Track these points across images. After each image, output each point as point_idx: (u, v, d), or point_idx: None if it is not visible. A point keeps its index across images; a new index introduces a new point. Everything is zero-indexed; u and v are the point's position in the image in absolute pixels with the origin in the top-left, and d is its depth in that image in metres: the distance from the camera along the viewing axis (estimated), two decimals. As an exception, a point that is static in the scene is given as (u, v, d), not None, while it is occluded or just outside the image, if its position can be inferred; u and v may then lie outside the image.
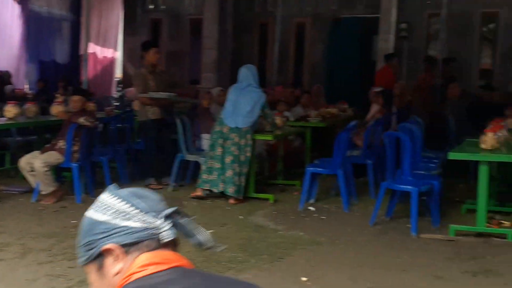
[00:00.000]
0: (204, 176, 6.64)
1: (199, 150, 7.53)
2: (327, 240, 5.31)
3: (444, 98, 8.96)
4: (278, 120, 7.26)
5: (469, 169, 7.32)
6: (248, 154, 6.64)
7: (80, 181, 6.53)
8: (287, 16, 12.75)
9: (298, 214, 6.23)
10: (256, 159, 7.44)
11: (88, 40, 10.40)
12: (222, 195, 6.65)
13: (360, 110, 9.76)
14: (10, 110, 7.16)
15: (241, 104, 6.64)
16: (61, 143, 6.54)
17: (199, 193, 6.65)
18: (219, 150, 6.61)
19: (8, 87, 10.87)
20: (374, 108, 8.15)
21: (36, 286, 4.10)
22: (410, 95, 9.80)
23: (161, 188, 7.21)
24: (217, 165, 6.59)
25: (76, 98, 6.71)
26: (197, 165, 7.31)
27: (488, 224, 5.44)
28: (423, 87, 10.16)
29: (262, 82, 12.95)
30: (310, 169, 6.49)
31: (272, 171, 7.90)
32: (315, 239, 5.31)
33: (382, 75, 10.31)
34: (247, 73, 6.81)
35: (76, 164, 6.49)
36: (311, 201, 6.62)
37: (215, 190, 6.61)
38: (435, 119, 8.98)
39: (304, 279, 4.30)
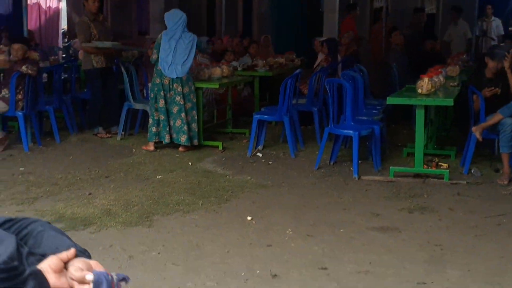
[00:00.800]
0: (153, 129, 6.64)
1: (147, 99, 7.53)
2: (273, 183, 5.48)
3: (388, 46, 9.17)
4: (225, 69, 7.31)
5: (412, 115, 7.57)
6: (194, 100, 6.68)
7: (27, 130, 6.49)
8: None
9: (246, 160, 6.37)
10: (205, 108, 7.51)
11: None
12: (172, 143, 6.71)
13: (307, 60, 9.89)
14: (-49, 58, 7.00)
15: (178, 53, 6.58)
16: (4, 92, 6.46)
17: (151, 148, 6.64)
18: (161, 102, 6.60)
19: None
20: (320, 57, 8.28)
21: (-16, 230, 4.14)
22: (358, 45, 9.99)
23: (109, 137, 7.23)
24: (162, 116, 6.61)
25: (16, 46, 6.60)
26: (145, 113, 7.33)
27: (426, 166, 5.70)
28: (378, 38, 10.35)
29: (211, 32, 12.98)
30: (257, 116, 6.61)
31: (221, 119, 7.99)
32: (262, 183, 5.48)
33: (346, 26, 10.39)
34: (178, 18, 6.60)
35: (21, 113, 6.43)
36: (259, 147, 6.76)
37: (164, 141, 6.64)
38: (381, 67, 9.21)
39: (249, 218, 4.47)
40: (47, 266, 1.27)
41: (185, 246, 3.92)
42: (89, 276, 1.28)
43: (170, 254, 3.79)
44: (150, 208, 4.68)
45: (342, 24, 10.52)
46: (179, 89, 6.58)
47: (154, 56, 6.62)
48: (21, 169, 5.78)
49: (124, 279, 1.37)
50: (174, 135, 6.62)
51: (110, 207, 4.65)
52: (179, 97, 6.58)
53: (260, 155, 6.55)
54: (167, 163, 6.18)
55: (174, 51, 6.56)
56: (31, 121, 6.63)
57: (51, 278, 1.27)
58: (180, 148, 6.65)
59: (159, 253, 3.80)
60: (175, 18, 6.61)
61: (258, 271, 3.51)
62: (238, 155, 6.56)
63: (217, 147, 6.81)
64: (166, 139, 6.60)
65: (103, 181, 5.45)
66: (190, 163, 6.15)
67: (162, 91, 6.58)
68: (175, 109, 6.60)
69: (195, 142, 6.67)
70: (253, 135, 6.59)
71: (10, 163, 5.99)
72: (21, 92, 6.49)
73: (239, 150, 6.80)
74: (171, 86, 6.58)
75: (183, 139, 6.59)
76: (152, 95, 6.66)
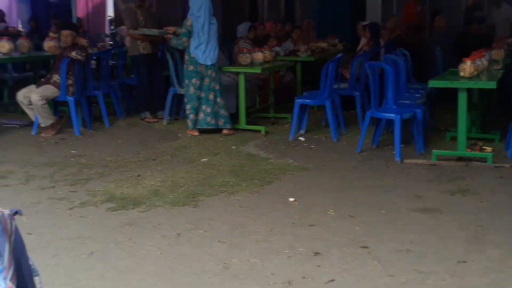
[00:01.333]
0: (191, 117, 6.80)
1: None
2: (314, 166, 5.57)
3: (432, 30, 9.09)
4: (267, 54, 7.41)
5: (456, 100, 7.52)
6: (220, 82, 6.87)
7: (77, 114, 6.74)
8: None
9: (288, 144, 6.48)
10: (248, 93, 7.63)
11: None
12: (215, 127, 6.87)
13: (350, 45, 9.89)
14: (4, 45, 7.29)
15: (211, 39, 6.72)
16: (55, 77, 6.72)
17: (195, 132, 6.80)
18: (191, 90, 6.74)
19: (1, 25, 10.91)
20: (362, 42, 8.30)
21: (40, 208, 4.39)
22: (401, 30, 9.92)
23: (156, 121, 7.45)
24: (196, 104, 6.74)
25: (66, 32, 6.84)
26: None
27: (469, 150, 5.70)
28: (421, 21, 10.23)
29: (254, 17, 13.06)
30: (299, 101, 6.70)
31: (263, 104, 8.10)
32: (304, 166, 5.57)
33: (408, 10, 10.26)
34: (207, 3, 6.67)
35: (71, 98, 6.68)
36: (301, 132, 6.85)
37: (204, 127, 6.79)
38: (424, 51, 9.14)
39: (291, 199, 4.59)
40: None
41: (230, 225, 4.06)
42: None
43: (215, 232, 3.94)
44: (195, 189, 4.84)
45: (404, 6, 10.38)
46: (213, 75, 6.73)
47: (186, 44, 6.72)
48: (72, 152, 6.03)
49: (17, 212, 1.63)
50: (213, 121, 6.77)
51: (158, 188, 4.83)
52: (213, 83, 6.74)
53: (302, 139, 6.65)
54: (211, 146, 6.33)
55: (207, 38, 6.68)
56: (81, 105, 6.88)
57: None
58: (224, 131, 6.80)
59: (205, 231, 3.95)
60: (198, 2, 6.64)
61: (300, 249, 3.63)
62: (280, 139, 6.67)
63: (260, 131, 6.93)
64: (201, 125, 6.75)
65: (150, 163, 5.64)
66: (233, 147, 6.29)
67: (194, 79, 6.71)
68: (211, 96, 6.74)
69: (228, 125, 6.79)
70: (295, 119, 6.68)
71: (63, 146, 6.26)
72: (71, 78, 6.73)
73: (281, 134, 6.91)
74: (205, 73, 6.71)
75: (221, 122, 6.76)
76: (186, 81, 6.80)
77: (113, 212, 4.30)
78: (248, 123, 7.09)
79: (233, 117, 7.02)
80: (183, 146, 6.34)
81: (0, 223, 1.58)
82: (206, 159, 5.78)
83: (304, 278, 3.25)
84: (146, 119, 7.49)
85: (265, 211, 4.35)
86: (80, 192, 4.75)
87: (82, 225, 4.04)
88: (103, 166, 5.52)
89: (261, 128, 6.98)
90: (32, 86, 6.75)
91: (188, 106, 6.82)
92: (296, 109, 6.64)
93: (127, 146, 6.34)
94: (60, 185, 4.89)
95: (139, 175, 5.21)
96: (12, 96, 7.47)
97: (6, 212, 1.59)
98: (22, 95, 6.63)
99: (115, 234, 3.88)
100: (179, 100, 7.62)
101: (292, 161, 5.74)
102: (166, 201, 4.54)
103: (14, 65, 8.63)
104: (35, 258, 3.39)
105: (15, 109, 7.41)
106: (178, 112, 7.68)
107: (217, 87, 6.75)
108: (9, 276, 1.57)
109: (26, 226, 3.94)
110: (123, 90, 8.11)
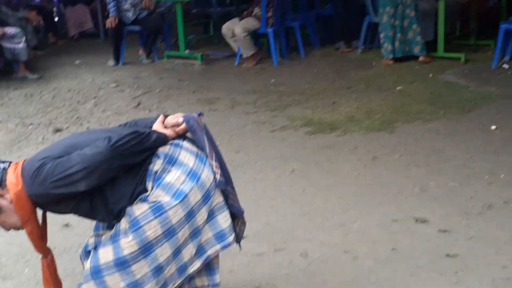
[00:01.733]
0: (386, 45, 6.72)
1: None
2: (520, 94, 5.26)
3: None
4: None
5: None
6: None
7: (276, 45, 7.03)
8: None
9: (490, 72, 6.14)
10: (447, 19, 7.29)
11: None
12: (411, 55, 6.73)
13: None
14: (209, -18, 7.75)
15: None
16: (256, 10, 7.04)
17: (390, 62, 6.73)
18: (385, 18, 6.63)
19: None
20: None
21: (245, 130, 4.76)
22: None
23: (350, 51, 7.48)
24: (390, 33, 6.64)
25: (266, -34, 7.05)
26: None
27: None
28: None
29: None
30: (504, 26, 6.26)
31: (464, 31, 7.69)
32: (508, 94, 5.28)
33: None
34: None
35: (271, 29, 6.97)
36: (506, 59, 6.42)
37: (399, 55, 6.69)
38: None
39: (493, 127, 4.41)
40: (156, 127, 2.00)
41: (427, 150, 4.05)
42: (180, 119, 2.01)
43: (412, 157, 3.96)
44: (391, 116, 4.86)
45: None
46: (409, 1, 6.55)
47: None
48: (272, 80, 6.34)
49: (201, 114, 2.05)
50: (407, 48, 6.65)
51: (353, 114, 4.94)
52: (408, 10, 6.57)
53: (507, 66, 6.25)
54: (407, 74, 6.23)
55: None
56: (279, 37, 7.15)
57: (163, 131, 1.98)
58: (420, 58, 6.64)
59: (401, 155, 4.00)
60: None
61: (502, 175, 3.52)
62: (481, 67, 6.34)
63: (459, 59, 6.64)
64: (399, 54, 6.65)
65: (345, 91, 5.74)
66: (430, 75, 6.13)
67: (388, 7, 6.60)
68: (406, 23, 6.61)
69: (424, 53, 6.61)
70: (499, 46, 6.27)
71: (263, 75, 6.60)
72: (271, 10, 6.99)
73: (483, 61, 6.55)
74: (400, 1, 6.57)
75: (416, 49, 6.61)
76: (380, 10, 6.71)
77: (311, 136, 4.52)
78: (447, 50, 6.81)
79: (432, 44, 6.80)
80: (377, 74, 6.33)
81: (195, 122, 2.00)
82: (401, 87, 5.73)
83: (505, 203, 3.18)
84: (341, 49, 7.55)
85: (464, 138, 4.26)
86: (280, 117, 5.03)
87: (283, 146, 4.32)
88: (300, 93, 5.75)
89: (461, 55, 6.67)
90: (235, 20, 7.15)
91: (382, 35, 6.76)
92: (501, 35, 6.22)
93: (322, 75, 6.50)
94: (262, 111, 5.23)
95: (334, 102, 5.35)
96: (217, 29, 8.00)
97: (194, 114, 2.04)
98: (226, 28, 7.08)
99: (314, 155, 4.09)
100: (374, 29, 7.53)
101: (494, 89, 5.46)
102: (361, 126, 4.64)
103: (218, 0, 9.14)
104: (244, 173, 3.77)
105: (220, 41, 7.91)
106: (372, 41, 7.62)
107: (413, 13, 6.58)
108: (213, 160, 1.98)
109: (234, 145, 4.34)
110: (318, 21, 8.21)
